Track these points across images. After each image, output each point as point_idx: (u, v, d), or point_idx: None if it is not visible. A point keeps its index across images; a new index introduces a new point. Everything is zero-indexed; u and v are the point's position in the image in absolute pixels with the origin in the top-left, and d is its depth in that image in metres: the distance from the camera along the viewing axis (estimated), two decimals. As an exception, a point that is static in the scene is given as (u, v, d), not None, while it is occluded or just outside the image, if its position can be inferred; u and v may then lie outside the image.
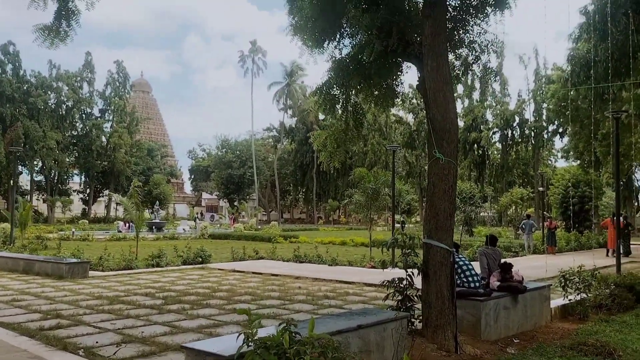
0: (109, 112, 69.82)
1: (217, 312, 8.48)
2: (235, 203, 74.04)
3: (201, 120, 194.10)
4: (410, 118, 68.66)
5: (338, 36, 9.17)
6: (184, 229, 40.86)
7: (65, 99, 64.13)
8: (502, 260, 8.49)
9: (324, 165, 69.49)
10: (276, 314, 8.36)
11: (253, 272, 14.10)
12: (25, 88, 60.67)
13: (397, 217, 44.86)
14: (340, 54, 9.22)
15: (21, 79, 60.90)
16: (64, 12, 8.50)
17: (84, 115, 67.49)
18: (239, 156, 73.05)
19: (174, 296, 10.05)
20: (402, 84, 9.88)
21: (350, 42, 9.35)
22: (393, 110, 67.49)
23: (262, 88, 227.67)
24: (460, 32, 8.66)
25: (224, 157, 73.27)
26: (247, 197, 76.34)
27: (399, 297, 6.69)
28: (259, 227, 45.75)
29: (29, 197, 65.86)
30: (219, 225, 51.35)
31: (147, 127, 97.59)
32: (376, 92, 9.61)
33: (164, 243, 28.78)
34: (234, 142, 75.70)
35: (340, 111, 9.50)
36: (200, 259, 16.75)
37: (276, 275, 13.60)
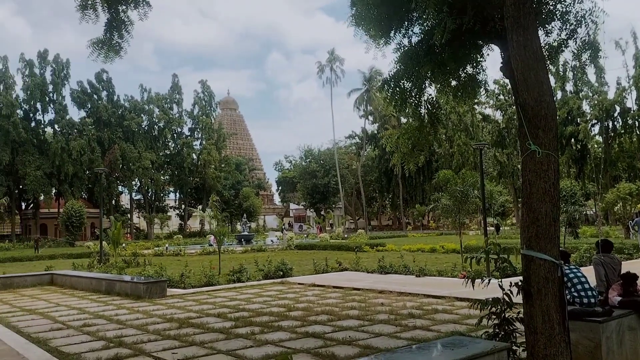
0: (198, 130, 72.52)
1: (288, 337, 7.69)
2: (322, 212, 74.00)
3: (287, 133, 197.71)
4: (498, 115, 65.24)
5: (405, 23, 8.14)
6: (271, 240, 41.00)
7: (157, 120, 67.37)
8: (623, 270, 7.03)
9: (410, 168, 67.63)
10: (352, 339, 7.42)
11: (334, 287, 13.25)
12: (120, 112, 64.39)
13: (490, 219, 42.44)
14: (410, 43, 8.19)
15: (116, 104, 64.74)
16: (114, 24, 8.17)
17: (175, 134, 70.60)
18: (322, 165, 73.01)
19: (246, 317, 9.42)
20: (483, 70, 8.55)
21: (419, 30, 8.30)
22: (478, 108, 64.54)
23: (342, 97, 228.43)
24: (550, 2, 7.32)
25: (307, 167, 73.56)
26: (333, 205, 76.01)
27: (496, 321, 5.54)
28: (346, 235, 45.01)
29: (129, 215, 69.82)
30: (306, 235, 51.24)
31: (235, 143, 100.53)
32: (454, 82, 8.44)
33: (251, 256, 28.77)
34: (317, 152, 75.85)
35: (412, 106, 8.43)
36: (281, 273, 16.18)
37: (358, 289, 12.66)
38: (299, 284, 14.28)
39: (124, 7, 8.49)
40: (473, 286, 6.05)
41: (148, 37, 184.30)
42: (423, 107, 8.32)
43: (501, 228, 43.91)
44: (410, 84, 8.25)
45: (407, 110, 8.47)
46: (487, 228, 18.70)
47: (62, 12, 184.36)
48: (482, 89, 8.75)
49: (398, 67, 8.00)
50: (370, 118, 75.30)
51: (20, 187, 60.01)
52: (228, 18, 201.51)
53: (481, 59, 8.17)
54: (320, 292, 12.58)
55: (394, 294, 11.79)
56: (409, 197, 72.99)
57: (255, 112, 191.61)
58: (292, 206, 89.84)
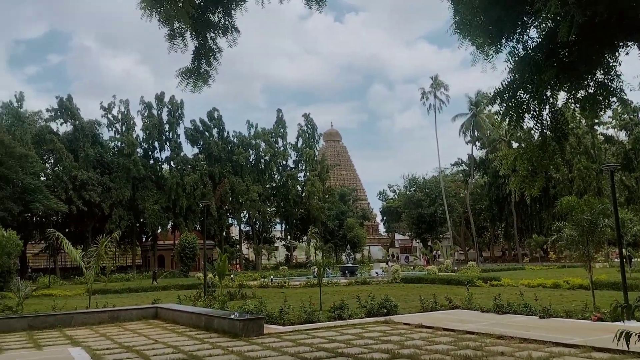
0: (302, 162, 73.71)
1: (391, 393, 6.61)
2: (429, 243, 71.33)
3: (390, 163, 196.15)
4: (622, 136, 59.56)
5: (519, 26, 7.02)
6: (376, 273, 39.73)
7: (263, 154, 69.46)
8: None
9: (526, 194, 63.31)
10: (468, 400, 6.19)
11: (444, 329, 11.90)
12: (229, 148, 67.22)
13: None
14: (525, 48, 7.03)
15: (225, 140, 67.72)
16: (202, 52, 7.87)
17: (280, 167, 72.29)
18: (428, 194, 70.74)
19: (344, 364, 8.47)
20: (618, 77, 7.11)
21: (536, 33, 7.12)
22: (600, 129, 59.25)
23: (446, 124, 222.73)
24: None
25: (412, 196, 71.65)
26: (441, 236, 73.06)
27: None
28: (456, 267, 42.55)
29: (239, 246, 71.98)
30: (412, 267, 49.29)
31: (339, 174, 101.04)
32: (581, 92, 7.10)
33: (354, 289, 27.79)
34: (421, 180, 73.73)
35: (532, 121, 7.18)
36: (385, 310, 15.04)
37: (472, 333, 11.21)
38: (405, 324, 13.06)
39: (212, 34, 8.20)
40: (628, 344, 4.68)
41: (257, 76, 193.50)
42: (544, 122, 7.06)
43: (633, 260, 39.20)
44: (528, 96, 7.05)
45: (524, 126, 7.24)
46: (623, 261, 16.26)
47: (178, 57, 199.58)
48: (615, 98, 7.28)
49: (512, 77, 6.87)
50: (478, 144, 72.14)
51: (141, 220, 64.21)
52: (331, 53, 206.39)
53: (614, 63, 6.81)
54: (429, 335, 11.30)
55: (516, 340, 10.23)
56: (524, 226, 68.32)
57: (358, 143, 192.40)
58: (397, 236, 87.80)
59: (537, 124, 6.97)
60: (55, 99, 61.38)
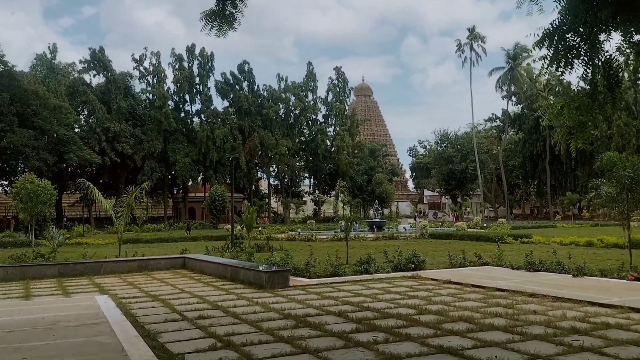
0: (332, 117, 72.86)
1: (418, 351, 6.37)
2: (459, 199, 70.54)
3: (423, 119, 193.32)
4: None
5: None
6: (404, 228, 39.51)
7: (292, 108, 68.84)
8: None
9: (561, 147, 61.34)
10: (499, 361, 5.90)
11: (473, 285, 11.59)
12: (259, 101, 66.76)
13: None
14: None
15: (255, 93, 67.18)
16: (227, -7, 7.39)
17: (309, 121, 71.66)
18: (459, 150, 69.38)
19: (370, 318, 8.26)
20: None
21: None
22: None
23: (482, 79, 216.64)
24: None
25: (443, 152, 70.41)
26: (471, 192, 72.08)
27: None
28: (485, 224, 41.98)
29: (267, 199, 72.58)
30: (441, 223, 48.87)
31: (369, 129, 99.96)
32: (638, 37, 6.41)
33: (381, 243, 27.65)
34: (453, 136, 72.19)
35: (582, 67, 6.54)
36: (413, 265, 14.80)
37: (502, 290, 10.87)
38: (432, 279, 12.79)
39: (237, -28, 7.70)
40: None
41: (289, 29, 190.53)
42: (597, 68, 6.42)
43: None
44: (579, 39, 6.40)
45: (572, 73, 6.61)
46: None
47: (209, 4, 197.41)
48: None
49: (563, 17, 6.22)
50: (514, 99, 69.86)
51: (172, 172, 65.04)
52: (365, 5, 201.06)
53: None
54: (457, 291, 11.01)
55: (548, 298, 9.85)
56: (557, 184, 66.72)
57: (390, 98, 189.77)
58: (426, 193, 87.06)
59: (588, 70, 6.34)
60: (88, 50, 61.61)
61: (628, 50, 6.52)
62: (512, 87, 67.28)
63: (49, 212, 42.02)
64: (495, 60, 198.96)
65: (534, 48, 6.11)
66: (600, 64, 6.45)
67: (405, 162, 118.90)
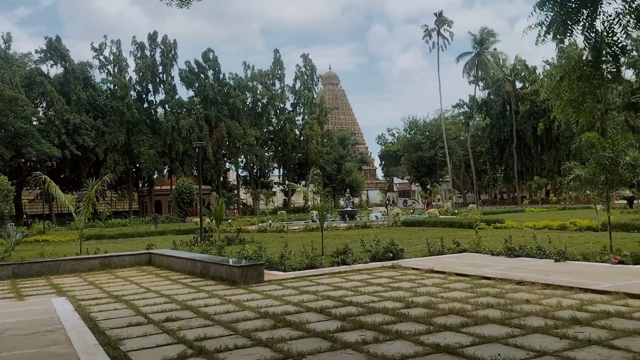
0: (300, 105, 71.95)
1: (413, 351, 5.75)
2: (428, 186, 70.83)
3: (390, 107, 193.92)
4: (629, 74, 57.70)
5: None
6: (376, 216, 39.13)
7: (260, 97, 67.63)
8: None
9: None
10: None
11: (457, 274, 11.09)
12: (225, 91, 65.28)
13: (625, 192, 37.22)
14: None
15: (221, 82, 65.65)
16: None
17: (277, 110, 70.61)
18: (428, 137, 69.54)
19: (355, 314, 7.62)
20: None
21: None
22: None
23: (449, 66, 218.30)
24: None
25: (412, 139, 70.43)
26: (440, 179, 72.43)
27: None
28: (456, 211, 41.97)
29: (236, 191, 71.34)
30: (412, 210, 48.76)
31: (337, 118, 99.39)
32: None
33: (355, 232, 27.17)
34: (422, 123, 72.25)
35: (581, 34, 6.00)
36: (391, 254, 14.26)
37: (488, 278, 10.40)
38: (414, 268, 12.27)
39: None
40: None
41: (256, 16, 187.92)
42: (599, 35, 5.88)
43: (635, 202, 38.62)
44: (579, 3, 5.85)
45: (572, 40, 6.06)
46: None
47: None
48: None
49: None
50: (481, 84, 70.22)
51: (137, 165, 63.15)
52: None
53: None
54: (441, 280, 10.48)
55: (538, 285, 9.41)
56: (524, 168, 67.54)
57: (357, 87, 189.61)
58: (396, 180, 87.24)
59: (589, 37, 5.79)
60: (44, 39, 59.01)
61: (628, 17, 5.99)
62: (479, 73, 67.58)
63: (7, 208, 40.10)
64: (461, 46, 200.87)
65: (535, 10, 5.54)
66: (602, 29, 5.92)
67: (374, 150, 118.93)
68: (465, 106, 75.22)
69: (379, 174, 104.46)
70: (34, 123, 54.30)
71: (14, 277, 13.43)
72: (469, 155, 69.30)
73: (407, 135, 73.25)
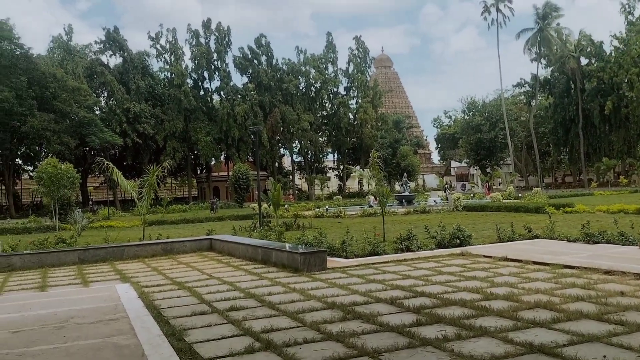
0: (353, 88, 71.08)
1: (504, 351, 5.14)
2: (488, 170, 68.57)
3: (444, 89, 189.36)
4: None
5: None
6: (434, 201, 38.07)
7: (313, 82, 67.23)
8: None
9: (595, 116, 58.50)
10: (613, 363, 4.66)
11: (534, 262, 10.28)
12: (278, 76, 65.27)
13: None
14: None
15: (274, 67, 65.65)
16: None
17: (330, 94, 70.06)
18: (487, 118, 67.05)
19: (429, 307, 7.06)
20: None
21: None
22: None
23: (506, 45, 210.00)
24: None
25: (471, 121, 68.15)
26: (501, 162, 69.92)
27: None
28: (520, 194, 40.26)
29: (291, 176, 71.56)
30: (471, 195, 47.24)
31: (390, 101, 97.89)
32: None
33: (414, 217, 26.43)
34: (481, 104, 69.72)
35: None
36: (458, 241, 13.54)
37: (571, 267, 9.55)
38: (485, 256, 11.51)
39: None
40: None
41: (306, 2, 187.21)
42: None
43: None
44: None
45: None
46: None
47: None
48: None
49: None
50: (544, 62, 66.97)
51: (195, 152, 64.36)
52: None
53: None
54: (519, 270, 9.72)
55: (629, 276, 8.51)
56: (591, 150, 64.16)
57: (410, 69, 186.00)
58: (454, 164, 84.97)
59: None
60: (103, 30, 60.73)
61: None
62: (542, 49, 64.43)
63: (74, 195, 41.68)
64: (520, 23, 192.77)
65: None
66: None
67: (429, 134, 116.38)
68: (526, 85, 72.04)
69: (435, 157, 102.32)
70: (96, 112, 56.13)
71: (80, 262, 13.64)
72: (531, 137, 66.49)
73: (466, 117, 70.92)
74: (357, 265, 10.99)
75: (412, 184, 65.56)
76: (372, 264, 11.12)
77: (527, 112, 71.41)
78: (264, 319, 6.77)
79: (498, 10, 64.17)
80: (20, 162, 56.45)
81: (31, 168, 55.36)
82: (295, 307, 7.37)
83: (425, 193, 55.07)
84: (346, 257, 12.33)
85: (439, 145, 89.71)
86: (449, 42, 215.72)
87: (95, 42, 60.98)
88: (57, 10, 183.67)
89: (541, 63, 67.30)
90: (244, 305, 7.66)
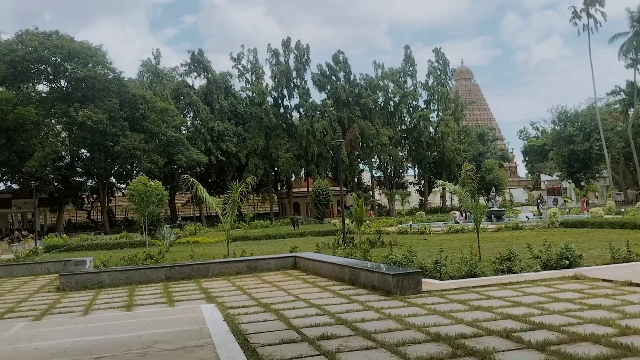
0: (433, 101, 69.38)
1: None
2: (582, 183, 64.12)
3: (528, 100, 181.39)
4: None
5: None
6: (526, 217, 35.79)
7: (392, 96, 66.32)
8: None
9: None
10: None
11: (668, 289, 8.83)
12: (356, 91, 64.96)
13: None
14: None
15: (352, 83, 65.43)
16: None
17: (410, 108, 68.77)
18: (581, 128, 62.79)
19: (554, 342, 5.99)
20: None
21: None
22: None
23: (596, 52, 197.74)
24: None
25: (562, 131, 64.08)
26: (597, 175, 65.17)
27: None
28: (622, 209, 36.99)
29: (371, 192, 70.61)
30: (567, 210, 44.13)
31: (472, 113, 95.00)
32: None
33: (507, 234, 24.76)
34: (573, 114, 65.52)
35: None
36: (567, 262, 12.16)
37: None
38: (604, 280, 10.12)
39: None
40: None
41: (382, 18, 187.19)
42: None
43: None
44: None
45: None
46: None
47: (302, 5, 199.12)
48: None
49: None
50: (642, 67, 61.87)
51: (275, 168, 65.19)
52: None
53: None
54: (651, 297, 8.35)
55: None
56: (703, 160, 58.23)
57: (490, 81, 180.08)
58: (543, 177, 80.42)
59: None
60: (188, 53, 63.26)
61: None
62: (639, 55, 59.61)
63: (163, 212, 43.18)
64: (610, 29, 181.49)
65: None
66: None
67: (515, 146, 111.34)
68: (622, 93, 66.89)
69: (520, 171, 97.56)
70: (183, 132, 58.27)
71: (166, 279, 13.57)
72: (629, 147, 61.44)
73: (556, 128, 66.87)
74: (455, 289, 9.99)
75: (499, 199, 62.61)
76: (472, 287, 10.07)
77: (623, 121, 66.24)
78: (360, 352, 6.02)
79: (589, 15, 60.28)
80: (113, 180, 59.61)
81: (123, 186, 58.33)
82: (394, 338, 6.55)
83: (515, 208, 52.18)
84: (440, 279, 11.38)
85: (527, 158, 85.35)
86: (531, 51, 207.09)
87: (182, 65, 63.62)
88: (147, 37, 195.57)
89: (638, 69, 62.31)
90: (335, 333, 6.95)
